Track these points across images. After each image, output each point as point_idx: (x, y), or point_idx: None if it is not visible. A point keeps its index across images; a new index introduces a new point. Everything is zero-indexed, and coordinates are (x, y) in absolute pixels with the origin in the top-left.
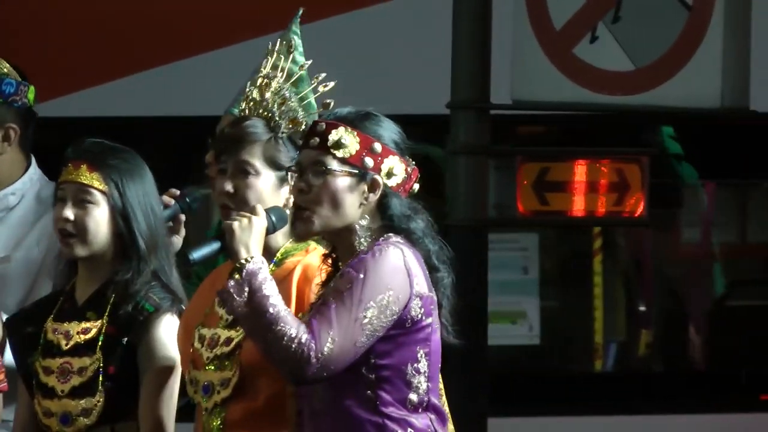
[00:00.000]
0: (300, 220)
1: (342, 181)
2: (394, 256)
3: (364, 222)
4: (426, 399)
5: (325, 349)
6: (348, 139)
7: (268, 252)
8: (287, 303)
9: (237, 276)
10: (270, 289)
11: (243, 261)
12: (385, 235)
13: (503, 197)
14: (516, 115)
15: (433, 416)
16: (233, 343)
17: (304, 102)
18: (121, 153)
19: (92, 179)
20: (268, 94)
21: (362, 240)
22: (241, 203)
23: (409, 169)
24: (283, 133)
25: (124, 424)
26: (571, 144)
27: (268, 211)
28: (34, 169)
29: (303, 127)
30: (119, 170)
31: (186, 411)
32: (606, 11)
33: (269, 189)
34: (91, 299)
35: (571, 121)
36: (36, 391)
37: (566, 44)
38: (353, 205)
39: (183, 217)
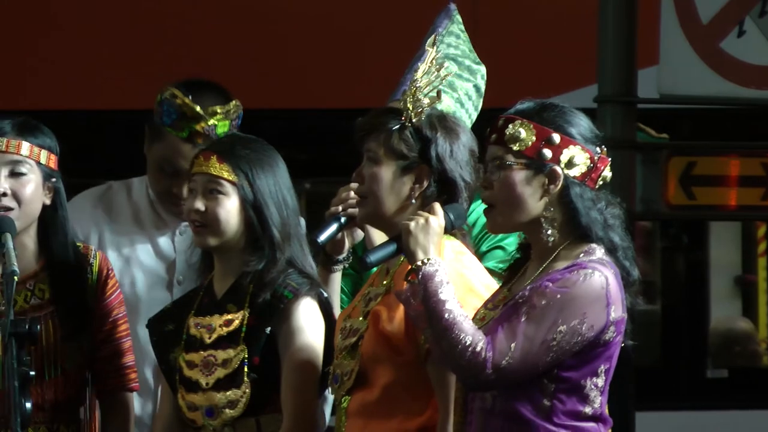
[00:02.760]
0: (486, 217)
1: (519, 175)
2: (598, 283)
3: (548, 214)
4: (599, 413)
5: (503, 362)
6: (523, 132)
7: None
8: None
9: (413, 278)
10: (446, 293)
11: (419, 263)
12: (587, 248)
13: (650, 191)
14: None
15: (601, 425)
16: (358, 333)
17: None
18: (251, 143)
19: (222, 170)
20: (411, 84)
21: (548, 232)
22: (365, 192)
23: (595, 158)
24: (409, 123)
25: (269, 416)
26: (718, 138)
27: (446, 209)
28: None
29: (423, 117)
30: (249, 161)
31: None
32: (753, 5)
33: (389, 178)
34: (230, 291)
35: (718, 115)
36: (179, 386)
37: (713, 38)
38: (533, 198)
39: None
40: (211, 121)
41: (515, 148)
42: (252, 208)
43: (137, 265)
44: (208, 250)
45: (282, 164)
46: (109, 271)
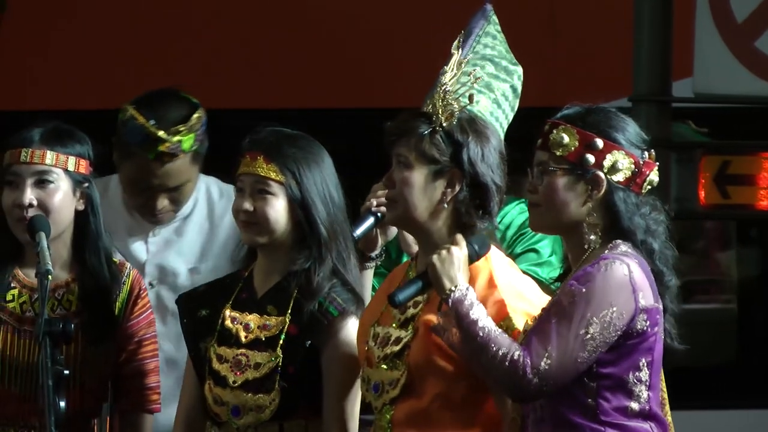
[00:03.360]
0: (530, 213)
1: (561, 180)
2: (620, 271)
3: (591, 220)
4: (647, 408)
5: (542, 364)
6: (566, 137)
7: (434, 250)
8: None
9: (444, 307)
10: (477, 312)
11: (448, 292)
12: (613, 243)
13: (684, 190)
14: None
15: (653, 424)
16: (402, 343)
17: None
18: (298, 141)
19: (269, 171)
20: (438, 88)
21: (590, 238)
22: (396, 197)
23: (640, 162)
24: (440, 127)
25: (293, 423)
26: (753, 137)
27: (469, 239)
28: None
29: (455, 121)
30: (296, 159)
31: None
32: None
33: (421, 183)
34: (272, 292)
35: (753, 114)
36: (208, 377)
37: (748, 37)
38: (576, 203)
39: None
40: (176, 139)
41: (558, 153)
42: (300, 207)
43: None
44: (254, 247)
45: (328, 160)
46: (141, 291)
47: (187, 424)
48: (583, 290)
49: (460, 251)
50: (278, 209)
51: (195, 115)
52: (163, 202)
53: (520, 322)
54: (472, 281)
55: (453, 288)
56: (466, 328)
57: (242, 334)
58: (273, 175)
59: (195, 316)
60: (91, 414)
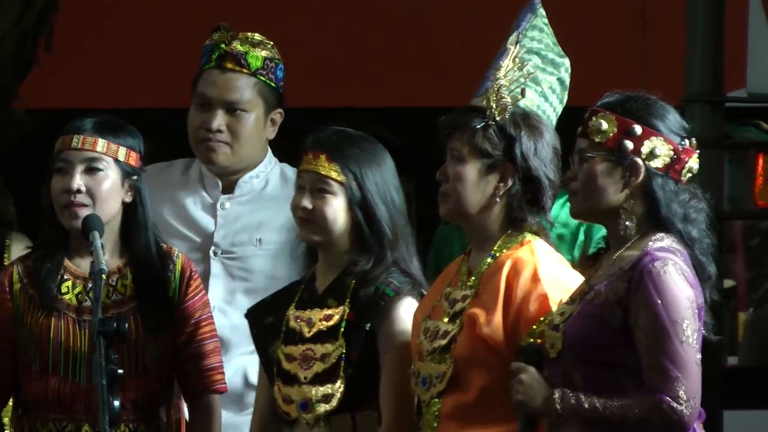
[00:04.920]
0: (570, 202)
1: (599, 167)
2: (675, 270)
3: (628, 206)
4: None
5: (680, 391)
6: (605, 124)
7: (485, 245)
8: (495, 296)
9: (557, 419)
10: (588, 402)
11: (552, 407)
12: (656, 236)
13: (738, 190)
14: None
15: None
16: (449, 336)
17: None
18: (360, 142)
19: (330, 170)
20: (493, 82)
21: (626, 224)
22: (449, 191)
23: (679, 149)
24: (493, 121)
25: (365, 414)
26: None
27: (521, 350)
28: (270, 151)
29: (508, 115)
30: (358, 160)
31: None
32: None
33: (474, 177)
34: (331, 287)
35: None
36: (276, 378)
37: None
38: (614, 190)
39: None
40: (241, 47)
41: (597, 139)
42: (359, 208)
43: (176, 237)
44: (312, 246)
45: (390, 163)
46: (193, 272)
47: (261, 428)
48: (659, 302)
49: (525, 373)
50: (337, 209)
51: (270, 42)
52: (218, 121)
53: None
54: (517, 275)
55: (551, 400)
56: (594, 417)
57: (305, 330)
58: (334, 174)
59: (262, 324)
60: (159, 401)
